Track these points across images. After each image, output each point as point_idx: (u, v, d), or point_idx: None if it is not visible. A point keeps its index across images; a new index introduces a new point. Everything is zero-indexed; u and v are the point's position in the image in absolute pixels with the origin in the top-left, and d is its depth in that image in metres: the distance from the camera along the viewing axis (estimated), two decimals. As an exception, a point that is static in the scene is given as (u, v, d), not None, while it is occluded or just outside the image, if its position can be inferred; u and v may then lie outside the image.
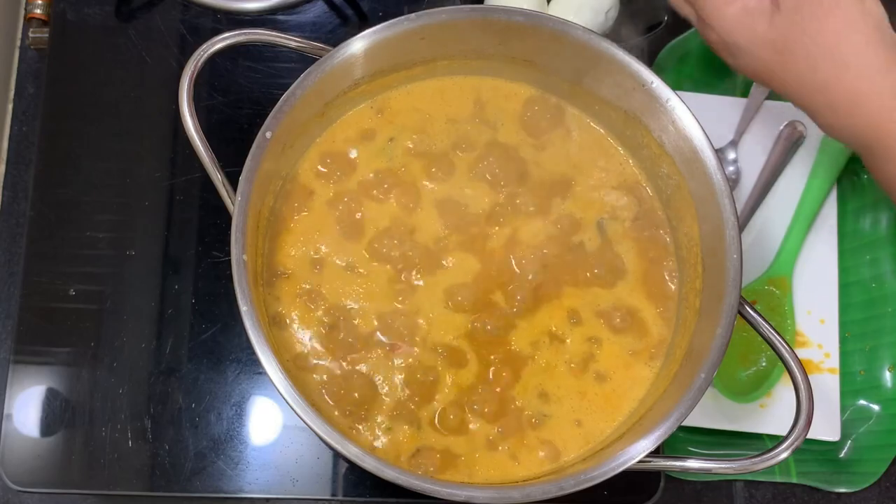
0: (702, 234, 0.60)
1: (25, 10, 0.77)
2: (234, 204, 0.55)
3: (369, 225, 0.62)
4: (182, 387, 0.67)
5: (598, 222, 0.63)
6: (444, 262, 0.61)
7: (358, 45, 0.58)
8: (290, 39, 0.59)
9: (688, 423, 0.63)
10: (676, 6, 0.60)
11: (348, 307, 0.60)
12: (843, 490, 0.71)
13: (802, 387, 0.55)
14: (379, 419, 0.58)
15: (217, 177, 0.56)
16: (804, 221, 0.75)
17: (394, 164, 0.63)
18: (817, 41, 0.46)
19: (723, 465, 0.54)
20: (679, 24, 0.78)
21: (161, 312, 0.69)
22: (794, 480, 0.71)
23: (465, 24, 0.60)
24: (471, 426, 0.58)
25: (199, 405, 0.67)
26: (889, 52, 0.45)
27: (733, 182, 0.76)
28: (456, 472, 0.57)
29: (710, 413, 0.70)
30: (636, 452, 0.52)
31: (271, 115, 0.56)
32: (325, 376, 0.58)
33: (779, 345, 0.56)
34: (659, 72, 0.60)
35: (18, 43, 0.78)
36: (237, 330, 0.68)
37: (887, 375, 0.73)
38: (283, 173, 0.62)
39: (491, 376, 0.59)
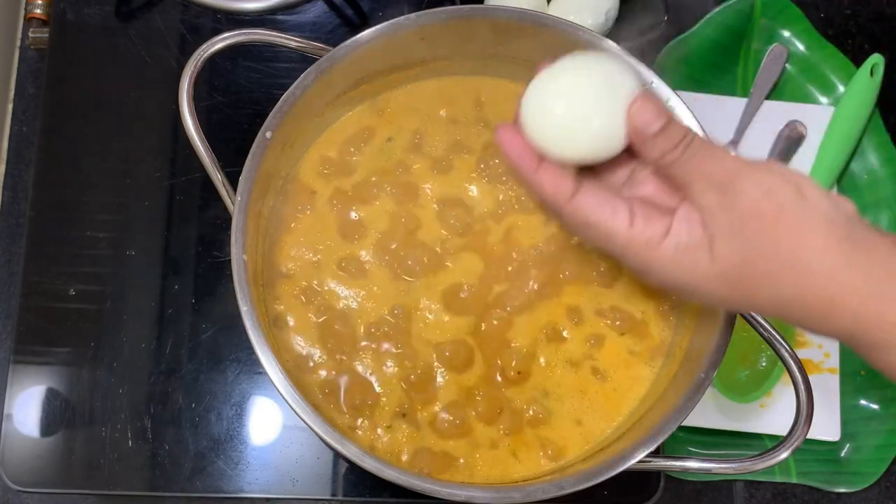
0: (702, 234, 0.60)
1: (25, 10, 0.77)
2: (234, 204, 0.55)
3: (369, 225, 0.62)
4: (182, 387, 0.67)
5: (598, 222, 0.63)
6: (444, 262, 0.61)
7: (358, 45, 0.58)
8: (290, 39, 0.59)
9: (688, 423, 0.63)
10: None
11: (349, 307, 0.60)
12: (843, 490, 0.71)
13: (802, 387, 0.55)
14: (379, 419, 0.58)
15: (217, 177, 0.56)
16: (804, 221, 0.75)
17: (394, 165, 0.63)
18: (773, 258, 0.39)
19: (723, 466, 0.54)
20: (679, 24, 0.78)
21: (161, 312, 0.69)
22: (794, 480, 0.71)
23: (465, 24, 0.60)
24: (471, 425, 0.58)
25: (199, 405, 0.67)
26: (847, 243, 0.39)
27: (733, 182, 0.76)
28: (456, 471, 0.57)
29: (710, 413, 0.70)
30: (636, 452, 0.52)
31: (271, 115, 0.56)
32: (325, 376, 0.58)
33: (779, 345, 0.56)
34: (659, 72, 0.60)
35: (18, 43, 0.78)
36: (237, 330, 0.68)
37: (887, 375, 0.73)
38: (283, 173, 0.62)
39: (490, 375, 0.59)
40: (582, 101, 0.42)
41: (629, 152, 0.43)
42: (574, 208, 0.42)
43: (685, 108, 0.58)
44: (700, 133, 0.57)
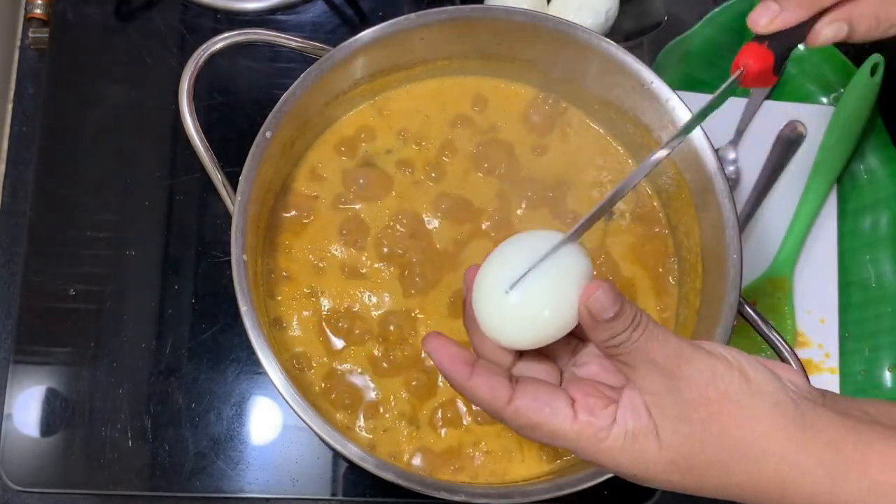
0: (702, 233, 0.60)
1: (25, 10, 0.77)
2: (234, 204, 0.55)
3: (369, 226, 0.62)
4: (182, 387, 0.67)
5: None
6: (444, 263, 0.61)
7: (358, 45, 0.58)
8: (290, 39, 0.59)
9: (688, 423, 0.63)
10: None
11: (348, 307, 0.60)
12: (843, 490, 0.71)
13: (802, 387, 0.54)
14: (379, 419, 0.58)
15: (217, 177, 0.56)
16: (804, 221, 0.75)
17: (395, 164, 0.63)
18: (721, 444, 0.38)
19: (723, 465, 0.54)
20: (679, 24, 0.78)
21: (161, 312, 0.69)
22: (794, 480, 0.71)
23: (465, 24, 0.60)
24: (470, 426, 0.58)
25: (199, 405, 0.67)
26: (795, 426, 0.39)
27: (733, 182, 0.76)
28: (456, 471, 0.57)
29: (710, 413, 0.70)
30: (636, 452, 0.52)
31: (271, 115, 0.56)
32: (325, 376, 0.58)
33: (779, 345, 0.56)
34: (659, 72, 0.60)
35: (18, 43, 0.78)
36: (237, 330, 0.68)
37: (887, 375, 0.73)
38: (283, 173, 0.62)
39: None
40: (535, 292, 0.41)
41: (571, 333, 0.43)
42: (514, 413, 0.41)
43: (685, 108, 0.58)
44: (700, 133, 0.57)
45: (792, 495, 0.39)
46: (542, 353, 0.44)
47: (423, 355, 0.59)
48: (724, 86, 0.47)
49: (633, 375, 0.40)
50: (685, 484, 0.40)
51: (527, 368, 0.43)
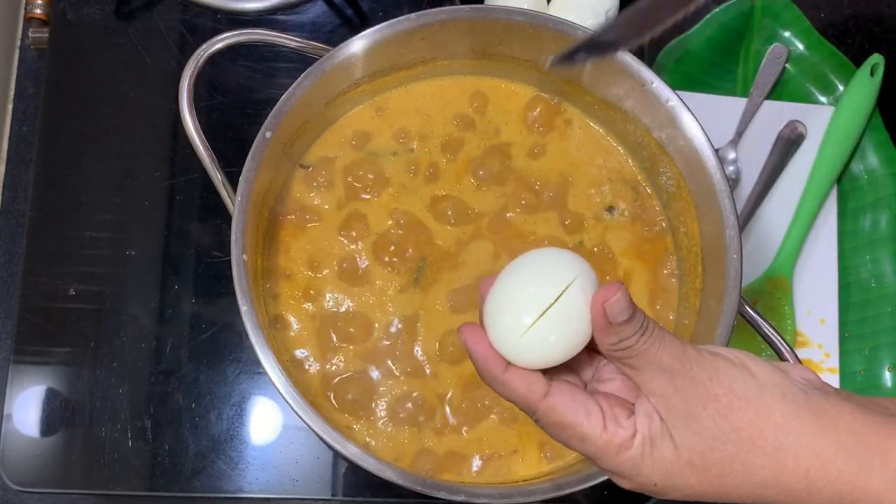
0: (702, 233, 0.60)
1: (25, 10, 0.77)
2: (234, 204, 0.55)
3: (369, 225, 0.62)
4: (182, 387, 0.67)
5: (596, 221, 0.63)
6: (444, 263, 0.61)
7: (358, 45, 0.58)
8: (290, 39, 0.59)
9: (688, 423, 0.63)
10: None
11: (348, 307, 0.60)
12: (843, 490, 0.71)
13: (802, 387, 0.54)
14: (379, 419, 0.58)
15: (217, 177, 0.56)
16: (804, 221, 0.75)
17: (394, 164, 0.63)
18: (736, 441, 0.38)
19: (723, 465, 0.54)
20: (679, 24, 0.78)
21: (161, 312, 0.69)
22: (794, 480, 0.71)
23: (465, 24, 0.60)
24: (471, 425, 0.58)
25: (199, 405, 0.67)
26: (807, 413, 0.38)
27: (733, 182, 0.76)
28: (456, 471, 0.57)
29: (710, 413, 0.70)
30: (636, 452, 0.52)
31: (271, 115, 0.56)
32: (324, 376, 0.59)
33: (779, 345, 0.56)
34: (659, 72, 0.60)
35: (18, 43, 0.78)
36: (237, 330, 0.68)
37: (887, 375, 0.73)
38: (283, 173, 0.62)
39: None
40: (551, 319, 0.40)
41: (591, 350, 0.43)
42: (548, 408, 0.41)
43: (685, 107, 0.58)
44: (700, 133, 0.57)
45: (819, 487, 0.38)
46: (567, 366, 0.43)
47: (421, 355, 0.59)
48: None
49: (640, 379, 0.40)
50: (707, 490, 0.40)
51: (554, 374, 0.43)
